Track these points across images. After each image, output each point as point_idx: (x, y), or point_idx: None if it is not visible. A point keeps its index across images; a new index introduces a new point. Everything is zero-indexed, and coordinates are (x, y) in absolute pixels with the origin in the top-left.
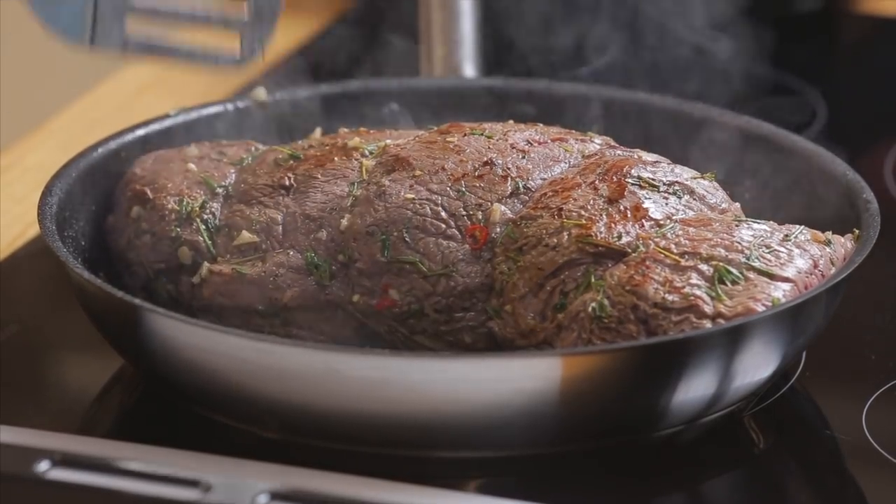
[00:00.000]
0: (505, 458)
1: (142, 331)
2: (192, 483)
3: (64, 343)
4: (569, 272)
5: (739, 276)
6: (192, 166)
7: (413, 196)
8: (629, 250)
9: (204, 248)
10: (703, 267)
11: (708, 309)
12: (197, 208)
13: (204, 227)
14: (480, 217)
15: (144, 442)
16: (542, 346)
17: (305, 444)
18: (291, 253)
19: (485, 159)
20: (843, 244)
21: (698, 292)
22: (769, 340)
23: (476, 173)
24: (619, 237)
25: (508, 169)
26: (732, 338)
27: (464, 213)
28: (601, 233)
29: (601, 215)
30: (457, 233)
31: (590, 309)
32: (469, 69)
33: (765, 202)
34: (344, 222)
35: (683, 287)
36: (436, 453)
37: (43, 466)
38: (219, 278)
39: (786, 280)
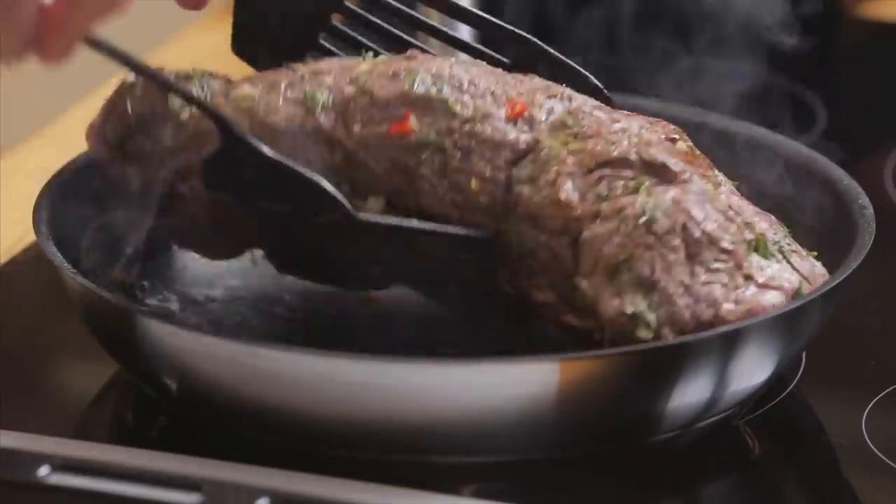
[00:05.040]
0: (501, 464)
1: (136, 336)
2: (192, 487)
3: (63, 348)
4: (620, 168)
5: (772, 254)
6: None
7: (448, 66)
8: (681, 180)
9: (204, 94)
10: (745, 229)
11: (745, 266)
12: (197, 73)
13: (200, 83)
14: (522, 99)
15: (143, 447)
16: (570, 226)
17: (304, 449)
18: (291, 91)
19: (525, 77)
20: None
21: (742, 246)
22: (765, 345)
23: (517, 78)
24: (676, 164)
25: (549, 84)
26: (728, 343)
27: (503, 94)
28: (661, 151)
29: (660, 140)
30: (492, 100)
31: (640, 208)
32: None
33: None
34: (363, 67)
35: (728, 233)
36: (434, 458)
37: (43, 471)
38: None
39: (799, 274)
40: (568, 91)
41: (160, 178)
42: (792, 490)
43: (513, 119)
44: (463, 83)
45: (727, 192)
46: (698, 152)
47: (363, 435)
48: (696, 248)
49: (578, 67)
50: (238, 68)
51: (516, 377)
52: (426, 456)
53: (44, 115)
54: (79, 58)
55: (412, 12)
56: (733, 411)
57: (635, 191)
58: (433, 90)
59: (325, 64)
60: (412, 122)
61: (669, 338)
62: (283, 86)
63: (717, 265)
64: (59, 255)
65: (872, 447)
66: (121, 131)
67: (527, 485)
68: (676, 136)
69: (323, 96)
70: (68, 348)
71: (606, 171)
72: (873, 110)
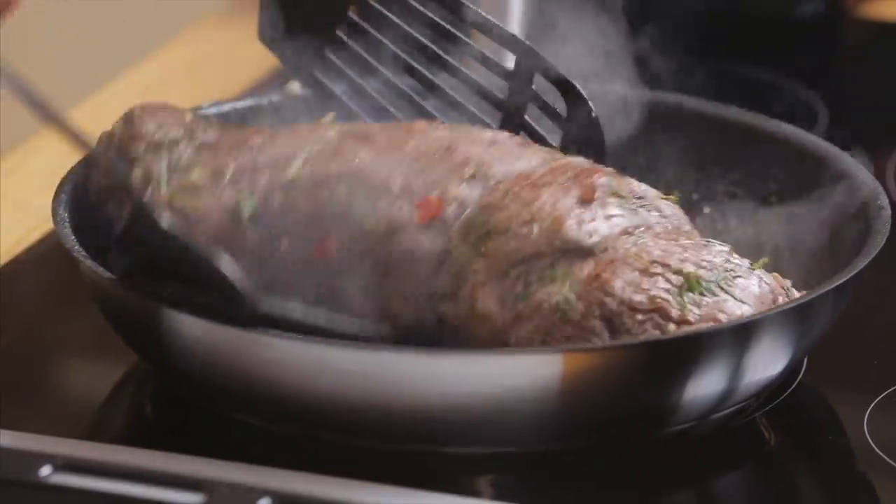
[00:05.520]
0: (512, 455)
1: (159, 328)
2: (194, 487)
3: (65, 348)
4: (535, 263)
5: (708, 289)
6: (189, 115)
7: (368, 162)
8: (598, 251)
9: (156, 179)
10: (672, 277)
11: (674, 313)
12: (169, 140)
13: (166, 160)
14: (436, 194)
15: (148, 446)
16: (496, 336)
17: (307, 448)
18: (226, 193)
19: (447, 144)
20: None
21: (665, 295)
22: (776, 338)
23: (436, 155)
24: (590, 236)
25: (469, 156)
26: (742, 335)
27: (418, 188)
28: (573, 229)
29: (572, 214)
30: (407, 204)
31: (554, 301)
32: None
33: (774, 202)
34: (292, 170)
35: (651, 290)
36: (440, 449)
37: (45, 471)
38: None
39: (748, 304)
40: (489, 157)
41: None
42: (803, 484)
43: (427, 221)
44: (380, 183)
45: (652, 237)
46: (630, 186)
47: (369, 424)
48: (619, 319)
49: (573, 82)
50: (238, 68)
51: (522, 368)
52: (433, 447)
53: None
54: (78, 58)
55: (423, 9)
56: (745, 405)
57: (552, 280)
58: (348, 207)
59: (280, 142)
60: (331, 244)
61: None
62: (226, 177)
63: (644, 327)
64: (77, 245)
65: (874, 446)
66: (94, 198)
67: (537, 477)
68: (594, 190)
69: (251, 206)
70: (70, 348)
71: (519, 271)
72: (875, 110)
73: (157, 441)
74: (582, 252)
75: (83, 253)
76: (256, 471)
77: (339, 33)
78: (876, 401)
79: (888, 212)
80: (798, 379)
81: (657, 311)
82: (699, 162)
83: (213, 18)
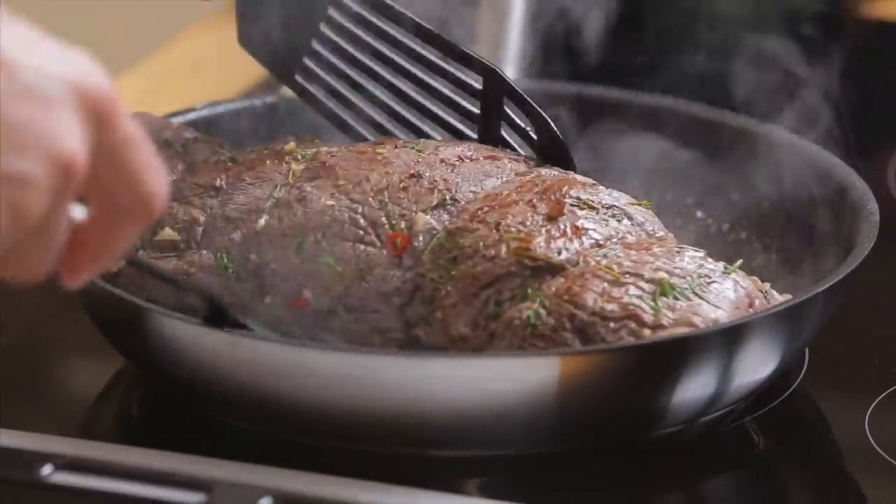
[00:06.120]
0: (503, 458)
1: (143, 330)
2: (195, 486)
3: (66, 347)
4: (505, 283)
5: (681, 294)
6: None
7: (333, 203)
8: (568, 266)
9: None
10: (644, 285)
11: (648, 318)
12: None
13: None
14: (403, 227)
15: (146, 446)
16: None
17: (307, 447)
18: (205, 253)
19: (411, 171)
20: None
21: (638, 302)
22: (766, 341)
23: (401, 185)
24: (559, 253)
25: (435, 181)
26: (731, 338)
27: (385, 222)
28: (541, 247)
29: (540, 231)
30: (375, 240)
31: (525, 316)
32: (510, 71)
33: (764, 203)
34: (261, 222)
35: (622, 297)
36: (436, 452)
37: (46, 470)
38: (131, 270)
39: (723, 308)
40: (456, 179)
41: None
42: (796, 487)
43: (397, 255)
44: (347, 225)
45: (623, 247)
46: (599, 197)
47: (365, 428)
48: (591, 328)
49: (538, 109)
50: (238, 68)
51: (517, 372)
52: (428, 450)
53: None
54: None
55: (402, 10)
56: (737, 408)
57: (523, 297)
58: (317, 255)
59: (246, 183)
60: (307, 295)
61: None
62: (199, 235)
63: (619, 334)
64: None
65: (875, 446)
66: None
67: (528, 479)
68: (563, 205)
69: (231, 266)
70: (71, 347)
71: (490, 292)
72: (876, 109)
73: (157, 440)
74: (552, 269)
75: None
76: (258, 470)
77: (324, 29)
78: (877, 400)
79: (877, 217)
80: (798, 380)
81: (630, 317)
82: (690, 166)
83: (213, 18)
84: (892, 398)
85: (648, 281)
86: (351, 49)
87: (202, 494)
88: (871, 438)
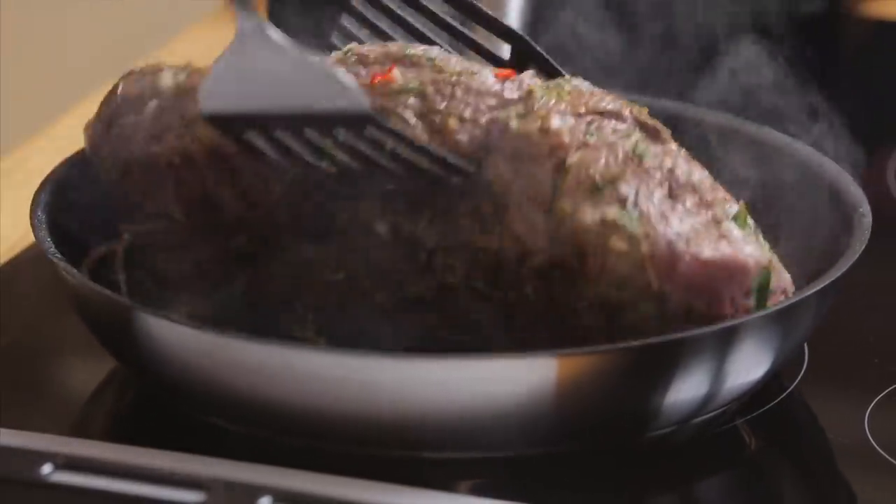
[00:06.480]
0: (498, 460)
1: (131, 330)
2: (194, 486)
3: (65, 347)
4: (613, 120)
5: (751, 229)
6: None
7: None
8: (673, 146)
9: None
10: (727, 205)
11: (724, 225)
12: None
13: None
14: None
15: (145, 445)
16: (555, 153)
17: (306, 447)
18: None
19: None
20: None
21: (721, 208)
22: (760, 342)
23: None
24: (667, 133)
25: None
26: (724, 339)
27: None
28: (655, 121)
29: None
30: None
31: (629, 146)
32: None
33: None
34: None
35: (715, 196)
36: (432, 454)
37: (45, 469)
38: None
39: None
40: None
41: (143, 160)
42: (791, 487)
43: (503, 78)
44: (452, 58)
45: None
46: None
47: (361, 431)
48: (680, 190)
49: (565, 73)
50: None
51: (513, 373)
52: (424, 452)
53: (44, 116)
54: (78, 58)
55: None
56: (731, 407)
57: (626, 136)
58: (422, 54)
59: None
60: (395, 73)
61: (645, 254)
62: None
63: (697, 210)
64: (53, 248)
65: (875, 446)
66: (111, 110)
67: (523, 480)
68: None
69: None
70: (70, 347)
71: (598, 118)
72: (875, 109)
73: (158, 440)
74: (658, 136)
75: (58, 255)
76: (257, 469)
77: (344, 22)
78: (876, 400)
79: (869, 219)
80: (797, 380)
81: (712, 209)
82: None
83: (212, 18)
84: (891, 397)
85: (727, 200)
86: (376, 21)
87: (202, 493)
88: (870, 438)
